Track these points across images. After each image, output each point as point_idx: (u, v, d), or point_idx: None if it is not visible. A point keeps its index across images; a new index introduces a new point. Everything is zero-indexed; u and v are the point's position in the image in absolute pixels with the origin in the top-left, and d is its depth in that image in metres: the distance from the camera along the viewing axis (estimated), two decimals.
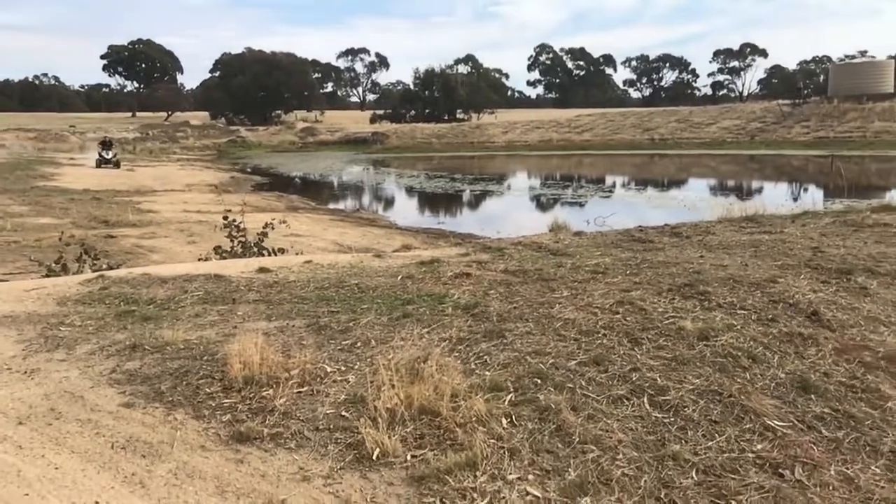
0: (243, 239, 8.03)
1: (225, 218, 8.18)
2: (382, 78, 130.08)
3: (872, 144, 38.11)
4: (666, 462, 3.08)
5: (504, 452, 3.02)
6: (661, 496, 2.87)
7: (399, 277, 5.59)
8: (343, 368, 3.76)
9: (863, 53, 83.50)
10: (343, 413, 3.29)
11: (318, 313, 4.71)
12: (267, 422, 3.22)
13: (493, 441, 3.08)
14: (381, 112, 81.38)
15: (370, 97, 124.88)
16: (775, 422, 3.45)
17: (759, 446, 3.26)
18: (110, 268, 6.89)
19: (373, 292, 5.21)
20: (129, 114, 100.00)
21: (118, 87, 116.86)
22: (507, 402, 3.38)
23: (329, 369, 3.73)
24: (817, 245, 6.41)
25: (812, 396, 3.69)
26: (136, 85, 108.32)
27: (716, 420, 3.42)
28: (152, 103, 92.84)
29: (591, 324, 4.33)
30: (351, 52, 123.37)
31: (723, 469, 3.07)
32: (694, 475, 3.01)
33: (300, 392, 3.49)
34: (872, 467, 3.22)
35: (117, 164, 34.07)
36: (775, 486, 2.99)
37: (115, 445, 3.09)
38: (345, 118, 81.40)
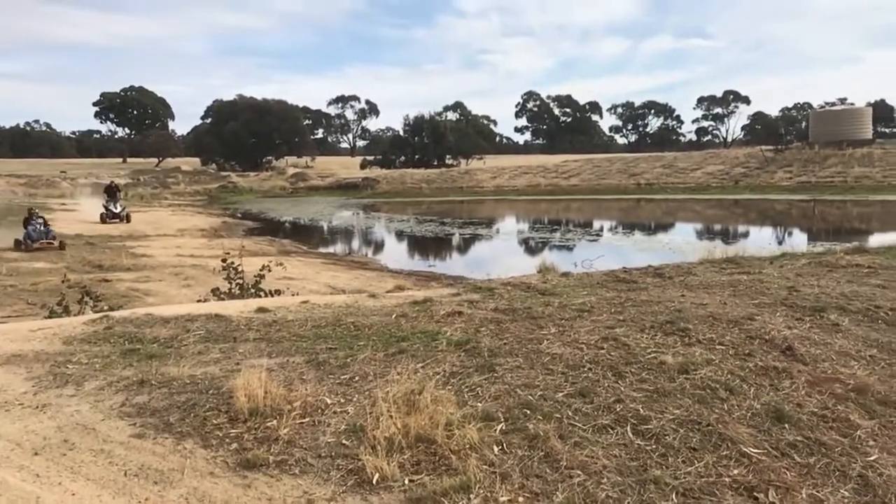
0: (241, 281, 8.26)
1: (223, 261, 8.42)
2: (372, 124, 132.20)
3: (853, 189, 38.95)
4: (648, 486, 3.28)
5: (496, 477, 3.21)
6: None
7: (393, 316, 5.81)
8: (342, 400, 3.95)
9: (842, 101, 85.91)
10: (344, 441, 3.49)
11: (316, 350, 4.91)
12: (272, 450, 3.41)
13: (485, 466, 3.28)
14: (371, 158, 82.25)
15: (360, 143, 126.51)
16: (751, 449, 3.67)
17: (736, 471, 3.47)
18: (111, 309, 7.08)
19: (368, 330, 5.42)
20: (120, 159, 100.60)
21: (109, 134, 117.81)
22: (498, 431, 3.59)
23: (329, 401, 3.93)
24: (793, 284, 6.69)
25: (786, 425, 3.91)
26: (128, 131, 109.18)
27: (695, 447, 3.63)
28: (143, 149, 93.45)
29: (577, 358, 4.56)
30: (342, 100, 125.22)
31: (701, 492, 3.28)
32: (674, 498, 3.21)
33: (302, 422, 3.68)
34: (842, 490, 3.44)
35: (127, 219, 28.29)
36: None
37: (127, 473, 3.27)
38: (335, 164, 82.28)
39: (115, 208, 28.53)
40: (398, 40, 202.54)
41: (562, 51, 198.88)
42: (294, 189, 58.61)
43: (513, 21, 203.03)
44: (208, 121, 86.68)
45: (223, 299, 7.88)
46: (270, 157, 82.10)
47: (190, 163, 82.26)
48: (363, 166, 76.94)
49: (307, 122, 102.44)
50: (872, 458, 3.70)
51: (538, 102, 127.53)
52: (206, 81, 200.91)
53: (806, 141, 53.40)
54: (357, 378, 4.31)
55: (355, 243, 27.97)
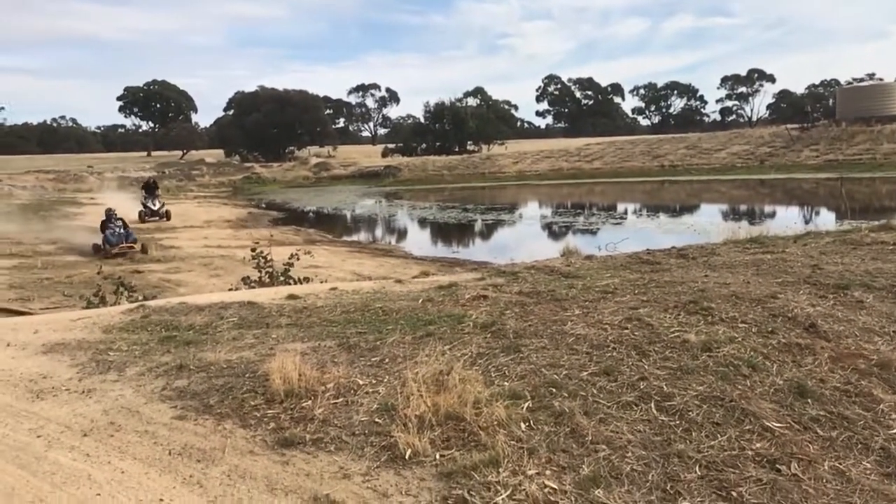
0: (270, 269, 8.45)
1: (253, 250, 8.61)
2: (393, 112, 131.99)
3: (882, 166, 38.32)
4: (672, 459, 3.38)
5: (524, 452, 3.33)
6: (667, 488, 3.17)
7: (420, 301, 5.94)
8: (374, 381, 4.09)
9: (870, 76, 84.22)
10: (376, 420, 3.63)
11: (346, 334, 5.05)
12: (308, 429, 3.56)
13: (513, 442, 3.40)
14: (392, 146, 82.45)
15: (381, 131, 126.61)
16: (773, 423, 3.75)
17: (758, 445, 3.55)
18: (146, 299, 7.29)
19: (396, 314, 5.56)
20: (145, 153, 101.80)
21: (134, 128, 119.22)
22: (525, 409, 3.71)
23: (361, 382, 4.07)
24: (816, 263, 6.71)
25: (808, 400, 3.98)
26: (152, 125, 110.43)
27: (718, 422, 3.72)
28: (168, 142, 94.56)
29: (601, 338, 4.65)
30: (362, 88, 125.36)
31: (724, 465, 3.37)
32: (697, 470, 3.31)
33: (336, 403, 3.82)
34: (864, 462, 3.52)
35: (168, 216, 26.91)
36: (772, 480, 3.29)
37: (172, 452, 3.43)
38: (357, 153, 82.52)
39: (154, 205, 27.06)
40: (416, 27, 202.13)
41: (582, 33, 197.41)
42: (317, 179, 58.97)
43: (532, 4, 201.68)
44: (231, 113, 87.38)
45: (254, 287, 8.08)
46: (293, 148, 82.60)
47: (214, 155, 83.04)
48: (384, 154, 77.15)
49: (328, 111, 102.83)
50: (895, 430, 3.76)
51: (559, 86, 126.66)
52: (226, 73, 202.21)
53: (833, 118, 52.56)
54: (387, 360, 4.45)
55: (379, 231, 28.16)
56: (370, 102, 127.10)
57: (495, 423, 3.52)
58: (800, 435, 3.69)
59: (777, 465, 3.40)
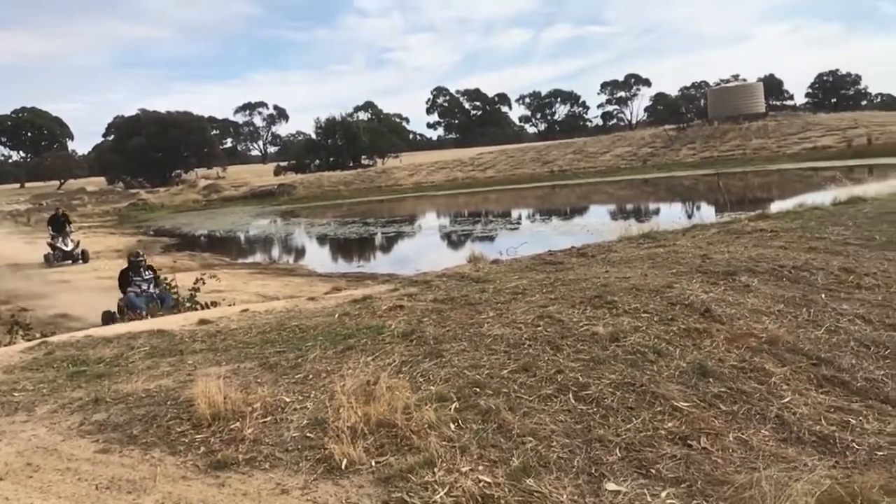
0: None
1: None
2: (283, 130, 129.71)
3: (752, 160, 41.03)
4: (593, 444, 3.60)
5: (456, 450, 3.46)
6: (592, 472, 3.37)
7: (336, 315, 5.98)
8: (301, 398, 4.12)
9: (736, 77, 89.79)
10: (308, 434, 3.66)
11: (265, 355, 5.04)
12: (240, 449, 3.54)
13: (445, 442, 3.52)
14: (284, 164, 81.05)
15: (272, 150, 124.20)
16: (681, 403, 4.04)
17: (670, 424, 3.83)
18: (45, 336, 6.96)
19: (314, 331, 5.57)
20: (17, 185, 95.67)
21: (2, 158, 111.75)
22: (452, 410, 3.84)
23: (288, 399, 4.08)
24: (705, 253, 7.21)
25: (710, 379, 4.32)
26: (23, 154, 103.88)
27: (631, 406, 3.97)
28: (42, 172, 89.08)
29: (516, 337, 4.85)
30: (248, 107, 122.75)
31: (641, 445, 3.61)
32: (618, 452, 3.54)
33: (265, 421, 3.83)
34: (762, 431, 3.85)
35: (84, 257, 21.26)
36: (685, 454, 3.55)
37: (99, 486, 3.34)
38: (248, 172, 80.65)
39: (66, 245, 21.29)
40: (301, 43, 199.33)
41: (466, 45, 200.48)
42: (207, 201, 57.17)
43: (415, 18, 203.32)
44: (111, 138, 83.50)
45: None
46: (180, 171, 79.79)
47: (95, 182, 79.02)
48: (277, 173, 75.78)
49: (215, 132, 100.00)
50: (786, 400, 4.14)
51: (448, 97, 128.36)
52: (105, 97, 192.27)
53: (705, 118, 55.82)
54: (311, 376, 4.48)
55: (278, 251, 27.68)
56: (258, 121, 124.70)
57: (426, 426, 3.63)
58: (705, 411, 3.99)
59: (688, 441, 3.68)
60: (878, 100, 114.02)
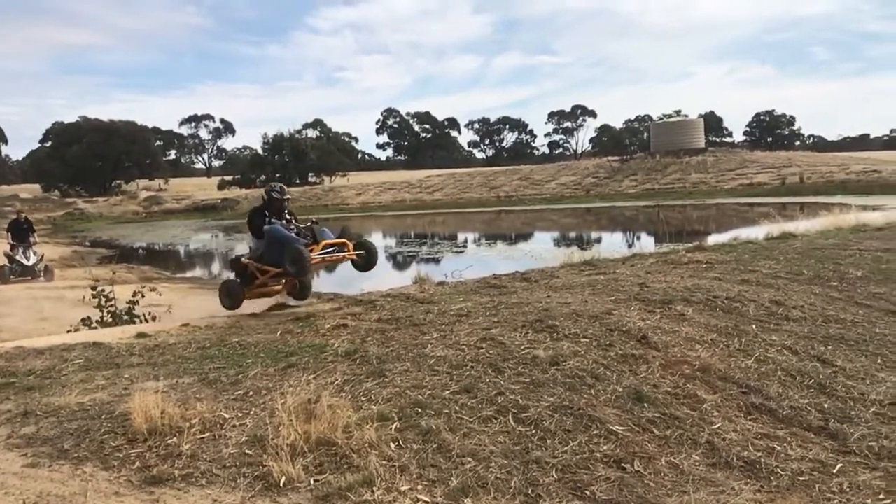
0: (113, 308, 8.03)
1: (93, 289, 8.14)
2: (229, 144, 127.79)
3: (692, 194, 42.28)
4: (531, 465, 3.67)
5: (395, 469, 3.48)
6: (529, 492, 3.44)
7: (279, 333, 5.94)
8: (240, 414, 4.08)
9: (678, 112, 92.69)
10: (247, 451, 3.63)
11: (205, 370, 4.97)
12: (176, 465, 3.50)
13: (385, 462, 3.54)
14: (229, 178, 79.89)
15: (217, 163, 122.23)
16: (617, 427, 4.15)
17: (605, 447, 3.93)
18: None
19: (255, 348, 5.53)
20: None
21: None
22: (393, 429, 3.86)
23: (227, 416, 4.04)
24: (643, 281, 7.41)
25: (645, 404, 4.44)
26: None
27: (569, 429, 4.07)
28: None
29: (459, 359, 4.91)
30: (194, 119, 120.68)
31: (577, 467, 3.70)
32: (554, 474, 3.62)
33: (203, 437, 3.78)
34: (693, 455, 3.98)
35: (48, 273, 18.36)
36: (619, 477, 3.66)
37: (26, 502, 3.25)
38: (191, 185, 79.25)
39: (28, 258, 17.93)
40: (251, 58, 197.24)
41: (418, 68, 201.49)
42: (148, 213, 55.89)
43: (367, 38, 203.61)
44: (48, 144, 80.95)
45: (96, 328, 7.64)
46: (120, 181, 77.87)
47: (29, 190, 76.36)
48: (221, 187, 74.66)
49: (158, 142, 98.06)
50: (717, 426, 4.28)
51: (398, 119, 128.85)
52: (42, 102, 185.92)
53: (648, 151, 57.35)
54: (251, 393, 4.44)
55: (220, 266, 27.20)
56: (204, 133, 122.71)
57: (366, 445, 3.65)
58: (640, 435, 4.11)
59: (622, 464, 3.79)
60: (811, 141, 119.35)
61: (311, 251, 7.00)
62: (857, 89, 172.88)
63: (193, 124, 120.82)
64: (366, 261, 7.53)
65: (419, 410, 4.10)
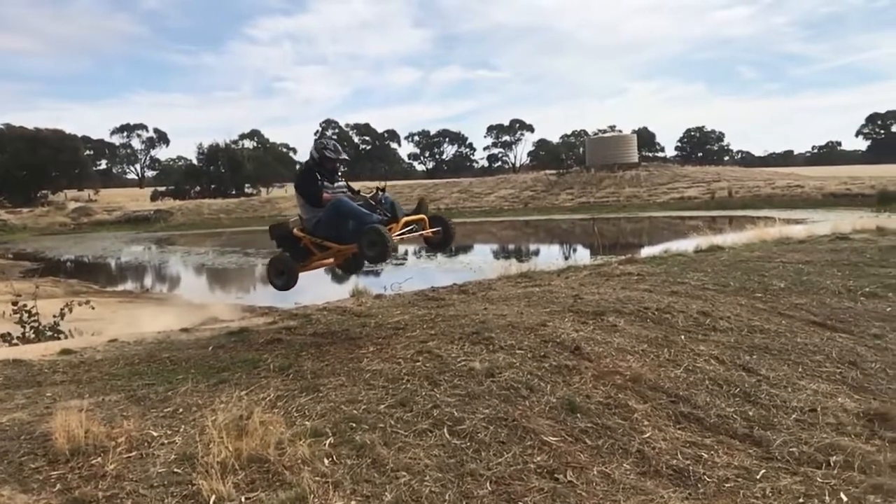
0: (36, 324, 7.71)
1: (14, 304, 7.81)
2: (162, 154, 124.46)
3: (625, 207, 43.27)
4: (465, 478, 3.68)
5: (329, 486, 3.45)
6: None
7: (210, 348, 5.82)
8: (169, 432, 3.97)
9: (612, 128, 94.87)
10: (175, 470, 3.53)
11: (133, 387, 4.83)
12: (100, 486, 3.38)
13: (318, 478, 3.50)
14: (163, 189, 78.00)
15: (150, 174, 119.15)
16: (550, 437, 4.21)
17: (539, 458, 3.98)
18: None
19: (186, 363, 5.40)
20: None
21: None
22: (327, 445, 3.83)
23: (155, 434, 3.93)
24: (577, 293, 7.55)
25: (578, 415, 4.52)
26: None
27: (503, 441, 4.10)
28: None
29: (395, 372, 4.90)
30: (127, 128, 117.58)
31: (511, 478, 3.74)
32: (488, 486, 3.64)
33: (129, 457, 3.66)
34: (624, 465, 4.06)
35: None
36: (552, 488, 3.70)
37: None
38: (123, 196, 76.95)
39: None
40: (186, 67, 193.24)
41: (357, 80, 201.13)
42: (77, 225, 53.92)
43: (306, 49, 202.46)
44: None
45: (17, 345, 7.33)
46: (47, 192, 75.04)
47: None
48: (154, 198, 72.79)
49: (88, 152, 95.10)
50: (647, 435, 4.38)
51: (337, 130, 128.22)
52: None
53: (584, 165, 58.48)
54: (181, 410, 4.34)
55: (152, 279, 26.46)
56: (136, 143, 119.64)
57: (299, 461, 3.60)
58: (572, 446, 4.17)
59: (555, 475, 3.84)
60: (739, 156, 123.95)
61: (389, 230, 5.87)
62: (781, 107, 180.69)
63: (125, 134, 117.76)
64: (443, 237, 6.53)
65: (353, 425, 4.07)
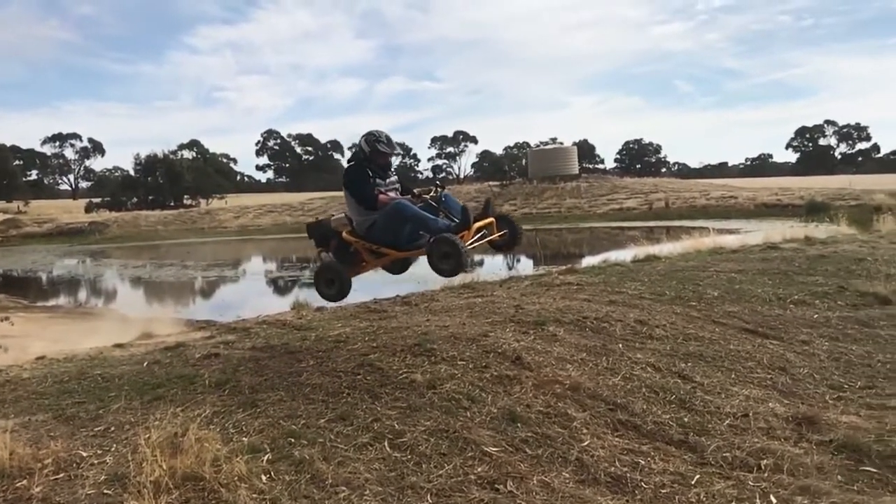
0: None
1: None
2: (98, 164, 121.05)
3: (567, 218, 43.95)
4: (406, 491, 3.67)
5: (266, 502, 3.39)
6: None
7: (145, 364, 5.67)
8: (100, 452, 3.85)
9: (554, 140, 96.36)
10: (105, 491, 3.42)
11: (61, 406, 4.66)
12: None
13: (255, 495, 3.44)
14: (98, 200, 75.71)
15: (84, 185, 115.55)
16: (491, 448, 4.23)
17: (480, 469, 3.99)
18: None
19: (119, 380, 5.24)
20: None
21: None
22: (265, 461, 3.76)
23: (85, 454, 3.80)
24: (519, 303, 7.62)
25: (518, 424, 4.55)
26: None
27: (444, 453, 4.10)
28: None
29: (336, 386, 4.86)
30: (59, 138, 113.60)
31: (451, 490, 3.74)
32: (429, 498, 3.64)
33: (57, 479, 3.53)
34: (563, 473, 4.11)
35: None
36: (492, 498, 3.72)
37: None
38: (55, 208, 74.36)
39: None
40: (123, 76, 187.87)
41: (299, 90, 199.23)
42: (4, 238, 51.84)
43: (248, 59, 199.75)
44: None
45: None
46: None
47: None
48: (89, 210, 70.54)
49: (17, 162, 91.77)
50: (586, 443, 4.44)
51: (279, 141, 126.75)
52: None
53: (526, 177, 59.17)
54: (113, 428, 4.21)
55: (86, 293, 25.63)
56: (70, 153, 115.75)
57: (236, 478, 3.53)
58: (513, 456, 4.20)
59: (496, 485, 3.86)
60: (676, 168, 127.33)
61: (461, 237, 5.18)
62: (716, 121, 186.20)
63: (58, 143, 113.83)
64: (510, 239, 6.01)
65: (292, 440, 4.01)
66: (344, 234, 5.81)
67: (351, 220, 5.83)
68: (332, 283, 5.82)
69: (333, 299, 5.96)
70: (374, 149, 5.78)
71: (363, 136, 5.85)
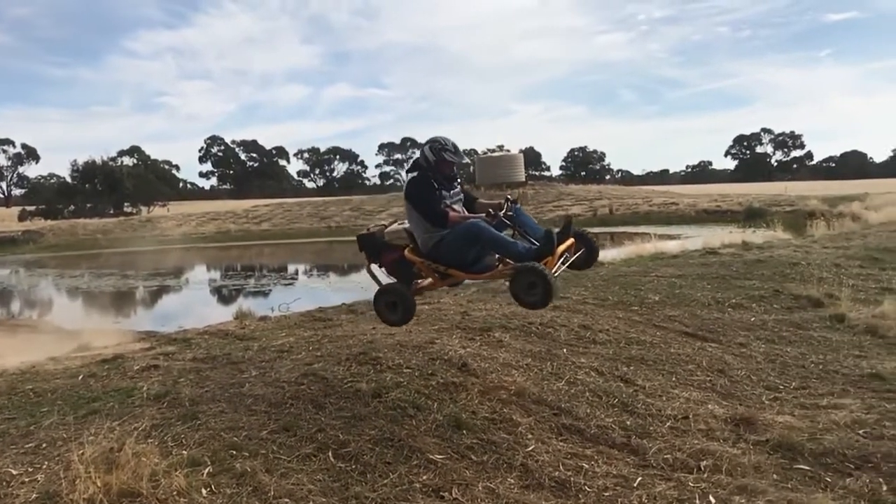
0: None
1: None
2: (32, 171, 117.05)
3: None
4: (350, 501, 3.65)
5: None
6: None
7: (80, 377, 5.49)
8: (30, 469, 3.71)
9: (501, 147, 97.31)
10: None
11: None
12: None
13: None
14: (32, 208, 73.22)
15: (17, 192, 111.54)
16: (436, 456, 4.23)
17: (425, 477, 3.98)
18: None
19: (52, 395, 5.07)
20: None
21: None
22: (205, 474, 3.68)
23: (14, 472, 3.67)
24: (465, 310, 7.65)
25: (464, 431, 4.56)
26: None
27: (389, 461, 4.09)
28: None
29: (279, 396, 4.79)
30: None
31: (396, 499, 3.72)
32: None
33: None
34: (508, 479, 4.13)
35: None
36: None
37: None
38: None
39: None
40: (59, 80, 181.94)
41: (243, 95, 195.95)
42: None
43: (190, 64, 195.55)
44: None
45: None
46: None
47: None
48: (22, 218, 68.09)
49: None
50: (530, 448, 4.48)
51: (223, 147, 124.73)
52: None
53: (474, 183, 59.49)
54: (45, 445, 4.06)
55: (18, 305, 24.72)
56: (2, 160, 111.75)
57: (175, 493, 3.45)
58: (458, 463, 4.21)
59: (441, 493, 3.86)
60: (619, 175, 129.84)
61: (545, 264, 4.70)
62: (658, 129, 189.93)
63: None
64: (586, 257, 5.41)
65: (234, 452, 3.94)
66: (406, 252, 5.34)
67: (411, 235, 5.36)
68: (395, 307, 5.34)
69: (398, 324, 5.53)
70: (440, 157, 5.23)
71: (427, 142, 5.35)
